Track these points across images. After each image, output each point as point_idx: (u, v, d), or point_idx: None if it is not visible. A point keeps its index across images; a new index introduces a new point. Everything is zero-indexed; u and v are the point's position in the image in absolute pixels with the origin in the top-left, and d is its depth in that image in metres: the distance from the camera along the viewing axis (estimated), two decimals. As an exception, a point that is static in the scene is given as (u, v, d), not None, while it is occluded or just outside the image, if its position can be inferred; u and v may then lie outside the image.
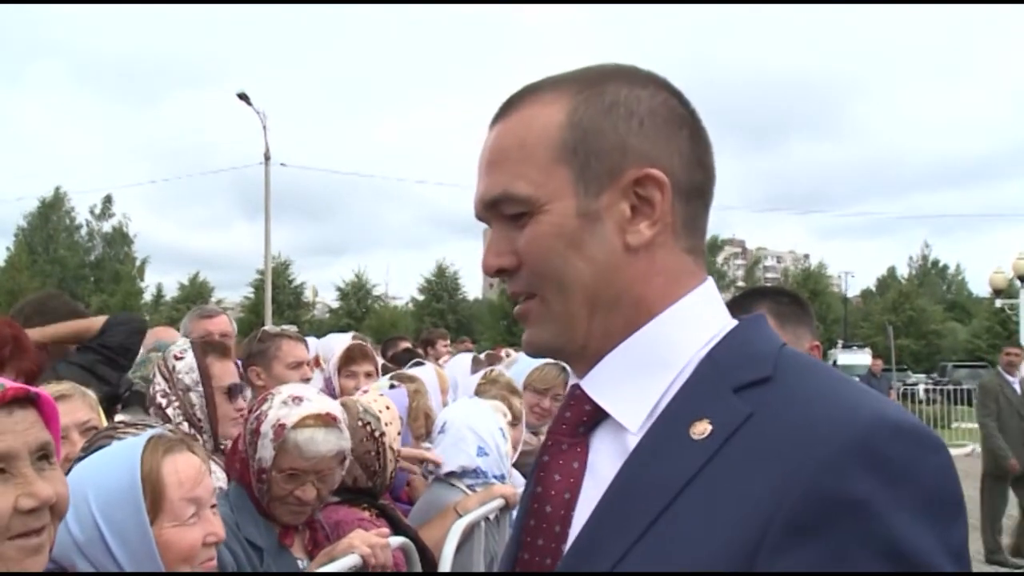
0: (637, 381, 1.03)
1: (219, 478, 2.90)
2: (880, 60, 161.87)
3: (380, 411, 3.13)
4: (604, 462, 1.02)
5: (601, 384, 1.05)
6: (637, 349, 1.04)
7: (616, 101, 1.04)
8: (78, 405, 2.67)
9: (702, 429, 0.94)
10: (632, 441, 1.00)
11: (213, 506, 2.03)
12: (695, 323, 1.05)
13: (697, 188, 1.08)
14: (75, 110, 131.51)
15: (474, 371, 5.79)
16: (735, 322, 1.07)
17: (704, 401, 0.97)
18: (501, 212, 1.07)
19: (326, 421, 2.60)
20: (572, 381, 1.12)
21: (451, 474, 3.65)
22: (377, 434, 3.05)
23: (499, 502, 3.44)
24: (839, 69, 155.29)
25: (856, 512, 0.83)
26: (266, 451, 2.56)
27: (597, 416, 1.05)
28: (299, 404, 2.61)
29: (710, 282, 1.09)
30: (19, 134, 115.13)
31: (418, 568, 3.00)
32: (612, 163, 1.03)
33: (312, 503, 2.63)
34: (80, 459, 2.10)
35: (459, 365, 6.12)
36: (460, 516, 3.30)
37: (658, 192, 1.03)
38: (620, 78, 1.07)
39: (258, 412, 2.63)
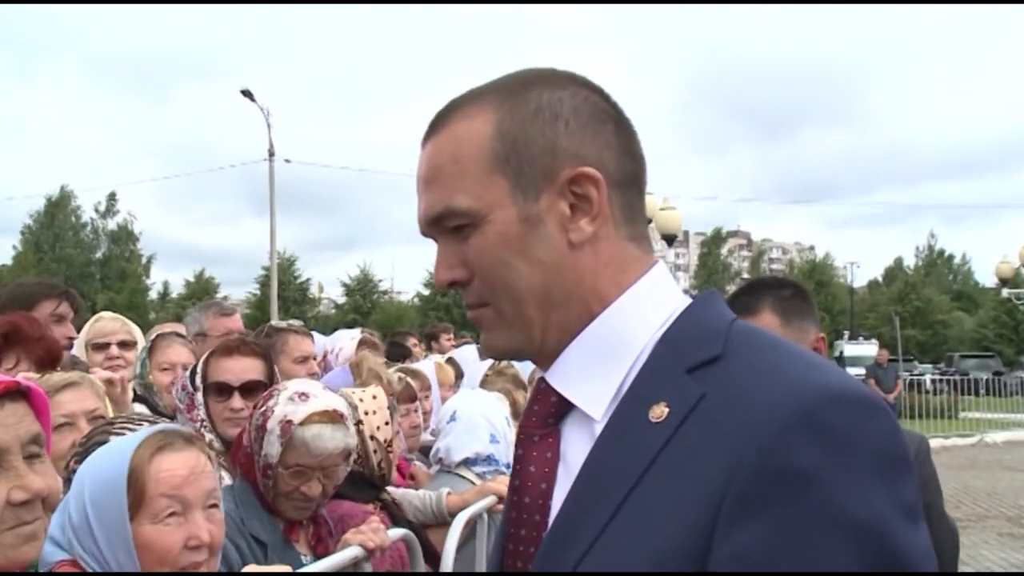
0: (598, 369, 1.06)
1: (226, 479, 2.91)
2: (893, 48, 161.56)
3: (358, 401, 3.12)
4: (574, 450, 1.05)
5: (564, 375, 1.08)
6: (595, 338, 1.07)
7: (540, 107, 1.07)
8: (87, 394, 2.68)
9: (660, 412, 0.97)
10: (598, 428, 1.03)
11: (213, 506, 1.98)
12: (648, 307, 1.07)
13: (629, 177, 1.10)
14: (83, 106, 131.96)
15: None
16: (688, 301, 1.10)
17: (661, 384, 1.00)
18: (445, 226, 1.10)
19: (333, 418, 2.60)
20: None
21: (461, 463, 3.66)
22: (356, 422, 3.02)
23: (492, 499, 3.46)
24: (853, 58, 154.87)
25: (803, 482, 0.86)
26: (272, 447, 2.55)
27: (564, 407, 1.08)
28: (306, 401, 2.60)
29: (660, 265, 1.12)
30: (28, 131, 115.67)
31: (420, 560, 3.01)
32: (545, 166, 1.06)
33: (317, 499, 2.63)
34: (77, 453, 2.11)
35: (467, 355, 6.15)
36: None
37: (593, 188, 1.06)
38: (540, 83, 1.10)
39: (264, 408, 2.61)
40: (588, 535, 0.96)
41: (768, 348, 1.01)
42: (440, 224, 1.10)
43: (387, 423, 3.15)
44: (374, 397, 3.18)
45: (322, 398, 2.64)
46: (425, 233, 1.14)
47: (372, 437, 3.08)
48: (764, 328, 1.11)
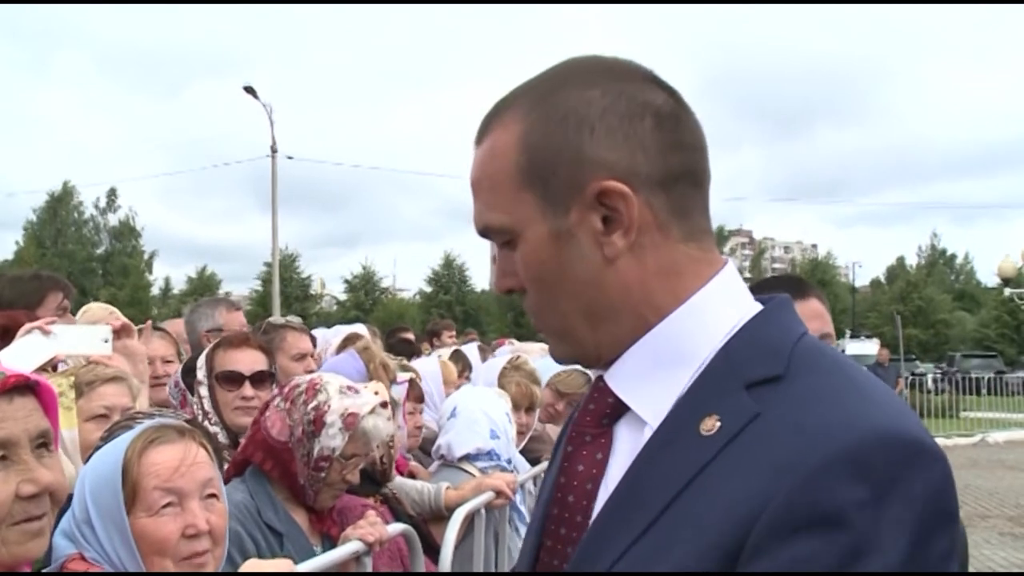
0: (658, 375, 1.03)
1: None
2: (908, 44, 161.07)
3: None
4: (624, 454, 1.03)
5: (623, 378, 1.05)
6: (657, 345, 1.03)
7: (566, 112, 1.02)
8: (125, 390, 2.74)
9: (711, 425, 0.94)
10: (648, 433, 1.01)
11: (211, 495, 2.01)
12: (714, 315, 1.03)
13: (676, 173, 1.03)
14: (91, 101, 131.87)
15: (482, 359, 5.86)
16: (757, 308, 1.05)
17: (715, 396, 0.97)
18: (493, 239, 1.10)
19: (379, 408, 2.75)
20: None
21: (463, 457, 3.67)
22: None
23: (490, 495, 3.45)
24: (867, 54, 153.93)
25: (832, 522, 0.83)
26: (335, 440, 2.63)
27: (620, 408, 1.06)
28: (358, 394, 2.72)
29: (728, 268, 1.07)
30: (37, 126, 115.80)
31: (420, 555, 3.02)
32: (571, 179, 1.01)
33: (356, 481, 2.77)
34: (100, 446, 2.14)
35: (468, 354, 6.16)
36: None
37: (622, 202, 1.00)
38: (570, 83, 1.04)
39: (314, 404, 2.66)
40: (622, 543, 0.94)
41: (832, 374, 0.97)
42: (487, 237, 1.10)
43: (389, 419, 3.18)
44: (376, 393, 3.21)
45: (365, 391, 2.79)
46: (482, 237, 1.13)
47: None
48: (832, 347, 1.06)
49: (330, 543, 2.68)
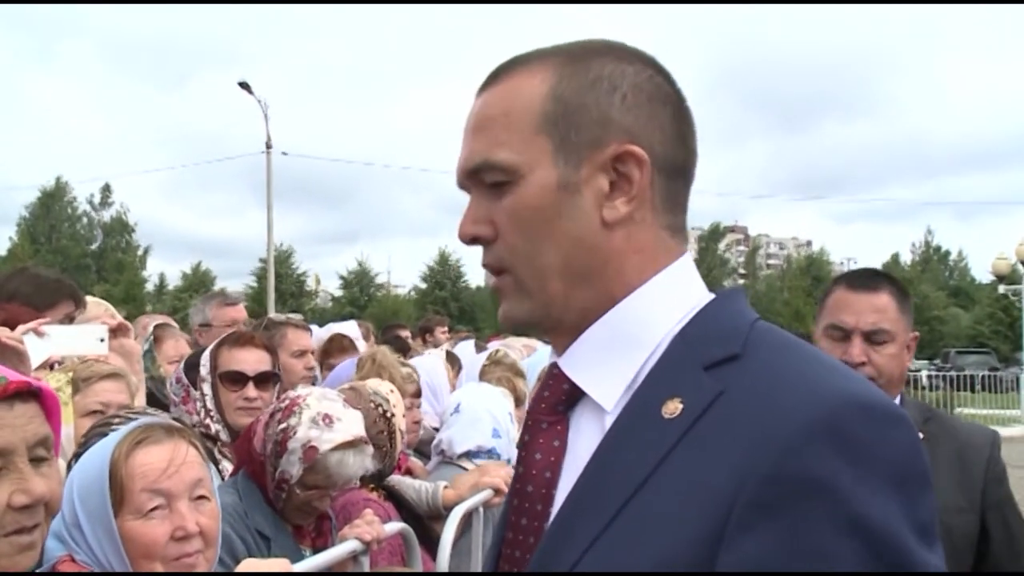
0: (612, 359, 1.03)
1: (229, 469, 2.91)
2: (919, 34, 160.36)
3: (387, 394, 3.20)
4: (582, 440, 1.03)
5: (578, 363, 1.05)
6: (612, 327, 1.04)
7: (600, 75, 1.04)
8: (123, 387, 2.72)
9: (673, 408, 0.95)
10: (609, 420, 1.01)
11: (201, 497, 1.96)
12: (669, 300, 1.05)
13: (678, 166, 1.07)
14: (85, 95, 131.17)
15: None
16: (711, 297, 1.07)
17: (676, 379, 0.97)
18: (482, 180, 1.07)
19: (355, 444, 2.62)
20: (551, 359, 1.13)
21: (463, 455, 3.68)
22: (388, 415, 3.12)
23: (488, 492, 3.47)
24: (878, 45, 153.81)
25: (819, 491, 0.83)
26: (293, 467, 2.54)
27: (575, 394, 1.06)
28: (330, 427, 2.58)
29: (687, 258, 1.09)
30: (36, 119, 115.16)
31: (418, 554, 3.03)
32: (593, 136, 1.03)
33: (324, 509, 2.70)
34: (78, 453, 2.12)
35: (464, 351, 6.18)
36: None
37: (637, 169, 1.03)
38: (607, 53, 1.07)
39: (284, 425, 2.58)
40: (589, 533, 0.93)
41: (789, 350, 0.98)
42: (477, 176, 1.07)
43: (403, 415, 3.28)
44: (392, 391, 3.29)
45: (347, 423, 2.63)
46: (461, 184, 1.11)
47: (399, 429, 3.18)
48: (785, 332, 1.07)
49: (324, 544, 2.67)
